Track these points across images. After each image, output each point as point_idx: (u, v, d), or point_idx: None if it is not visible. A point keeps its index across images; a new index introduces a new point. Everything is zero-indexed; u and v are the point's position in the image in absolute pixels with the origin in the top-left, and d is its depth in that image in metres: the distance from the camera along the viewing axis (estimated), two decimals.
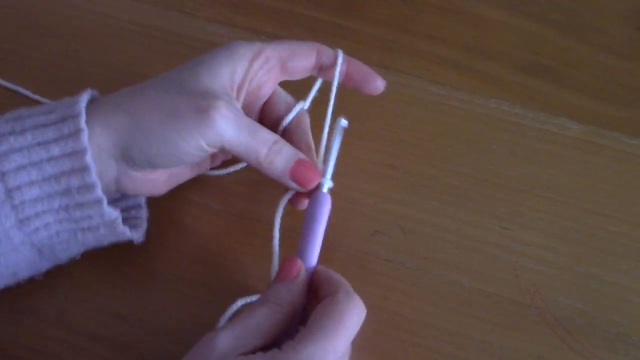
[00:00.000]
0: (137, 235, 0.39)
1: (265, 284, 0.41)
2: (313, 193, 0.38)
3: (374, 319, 0.35)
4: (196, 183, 0.44)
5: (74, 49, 0.50)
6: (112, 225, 0.37)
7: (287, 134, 0.41)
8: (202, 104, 0.35)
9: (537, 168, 0.46)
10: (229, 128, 0.35)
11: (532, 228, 0.43)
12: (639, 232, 0.43)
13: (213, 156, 0.42)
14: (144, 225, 0.41)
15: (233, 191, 0.44)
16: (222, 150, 0.37)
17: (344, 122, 0.40)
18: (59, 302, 0.40)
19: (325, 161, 0.39)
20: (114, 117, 0.36)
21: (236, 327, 0.32)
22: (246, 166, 0.44)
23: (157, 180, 0.39)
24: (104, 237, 0.38)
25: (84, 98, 0.36)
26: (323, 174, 0.38)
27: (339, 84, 0.41)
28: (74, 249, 0.38)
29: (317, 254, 0.36)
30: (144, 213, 0.41)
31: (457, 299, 0.40)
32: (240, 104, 0.39)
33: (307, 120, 0.42)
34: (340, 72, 0.41)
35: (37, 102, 0.47)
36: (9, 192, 0.34)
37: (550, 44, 0.52)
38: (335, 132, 0.39)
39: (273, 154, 0.37)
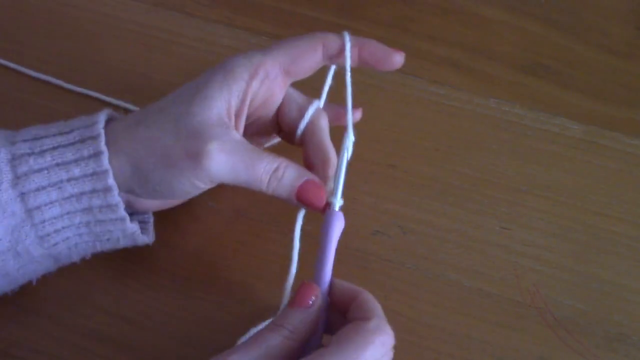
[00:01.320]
0: (149, 238, 0.40)
1: (266, 284, 0.41)
2: (325, 211, 0.37)
3: None
4: None
5: (74, 49, 0.50)
6: (131, 237, 0.38)
7: (304, 142, 0.40)
8: (193, 149, 0.35)
9: (537, 168, 0.46)
10: (222, 169, 0.35)
11: (532, 228, 0.43)
12: (639, 232, 0.43)
13: None
14: (151, 227, 0.41)
15: (233, 191, 0.44)
16: (223, 183, 0.37)
17: (352, 138, 0.38)
18: (59, 301, 0.40)
19: (336, 178, 0.37)
20: (115, 163, 0.36)
21: (249, 352, 0.31)
22: None
23: (162, 203, 0.40)
24: (121, 245, 0.38)
25: (102, 118, 0.36)
26: (333, 192, 0.37)
27: (352, 70, 0.39)
28: (89, 254, 0.39)
29: (330, 270, 0.35)
30: (150, 218, 0.41)
31: (457, 299, 0.40)
32: (242, 128, 0.38)
33: (322, 124, 0.40)
34: (352, 58, 0.38)
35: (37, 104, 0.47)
36: (29, 212, 0.34)
37: (550, 44, 0.52)
38: (342, 148, 0.38)
39: (275, 182, 0.36)
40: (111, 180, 0.35)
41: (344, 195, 0.44)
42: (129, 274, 0.41)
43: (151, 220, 0.41)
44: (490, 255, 0.42)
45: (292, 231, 0.39)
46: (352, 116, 0.38)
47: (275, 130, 0.42)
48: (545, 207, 0.44)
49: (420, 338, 0.39)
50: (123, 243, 0.38)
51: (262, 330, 0.32)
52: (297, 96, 0.40)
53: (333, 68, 0.41)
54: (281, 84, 0.38)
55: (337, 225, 0.36)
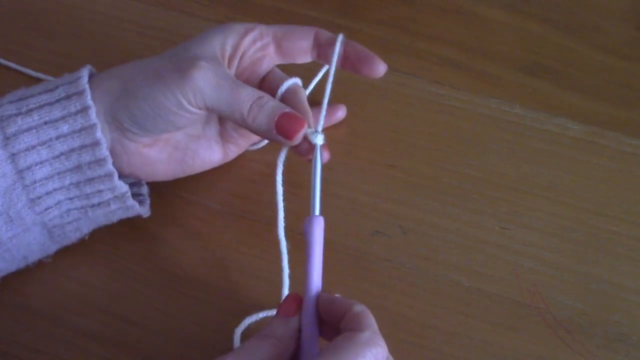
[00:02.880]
0: (143, 210, 0.40)
1: (265, 285, 0.41)
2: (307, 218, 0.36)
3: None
4: (197, 183, 0.44)
5: (74, 49, 0.50)
6: (122, 199, 0.38)
7: (286, 97, 0.40)
8: (182, 65, 0.36)
9: (537, 168, 0.46)
10: (208, 85, 0.36)
11: (532, 228, 0.43)
12: (639, 232, 0.43)
13: (225, 151, 0.42)
14: (147, 201, 0.41)
15: (233, 191, 0.44)
16: (207, 109, 0.37)
17: (321, 137, 0.38)
18: (59, 301, 0.40)
19: (313, 186, 0.37)
20: (106, 82, 0.37)
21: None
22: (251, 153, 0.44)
23: (153, 159, 0.39)
24: (114, 213, 0.38)
25: (85, 73, 0.37)
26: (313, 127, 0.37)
27: (337, 67, 0.40)
28: (84, 228, 0.39)
29: (319, 276, 0.35)
30: (145, 189, 0.42)
31: (457, 299, 0.40)
32: (232, 73, 0.39)
33: (303, 92, 0.40)
34: (339, 56, 0.40)
35: None
36: (20, 173, 0.35)
37: (550, 44, 0.52)
38: (315, 154, 0.37)
39: (256, 108, 0.36)
40: (99, 134, 0.35)
41: (343, 195, 0.44)
42: (129, 274, 0.41)
43: (146, 191, 0.41)
44: (490, 255, 0.42)
45: (292, 231, 0.39)
46: (325, 109, 0.39)
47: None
48: (545, 207, 0.44)
49: (420, 338, 0.39)
50: (115, 209, 0.38)
51: (251, 339, 0.32)
52: (283, 74, 0.41)
53: (324, 69, 0.42)
54: (271, 55, 0.40)
55: (317, 230, 0.35)
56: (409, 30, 0.53)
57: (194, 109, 0.36)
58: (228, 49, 0.38)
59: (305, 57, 0.41)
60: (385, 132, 0.47)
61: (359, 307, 0.33)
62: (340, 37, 0.40)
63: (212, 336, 0.39)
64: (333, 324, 0.33)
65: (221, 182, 0.44)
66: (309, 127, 0.37)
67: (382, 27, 0.53)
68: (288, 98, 0.39)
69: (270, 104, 0.37)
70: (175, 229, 0.43)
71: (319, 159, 0.37)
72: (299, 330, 0.34)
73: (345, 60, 0.40)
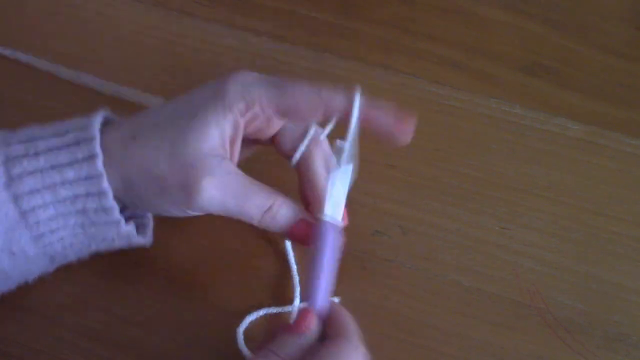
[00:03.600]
0: (146, 240, 0.40)
1: (265, 285, 0.41)
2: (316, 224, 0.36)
3: (374, 319, 0.35)
4: None
5: (73, 49, 0.50)
6: (126, 238, 0.38)
7: (299, 174, 0.39)
8: (185, 181, 0.35)
9: (537, 168, 0.46)
10: (213, 205, 0.35)
11: (532, 228, 0.43)
12: (639, 232, 0.43)
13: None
14: (150, 228, 0.41)
15: None
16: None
17: (340, 143, 0.36)
18: (59, 301, 0.40)
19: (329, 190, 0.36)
20: (108, 175, 0.35)
21: None
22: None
23: None
24: (117, 245, 0.38)
25: (98, 120, 0.36)
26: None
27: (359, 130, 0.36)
28: (85, 254, 0.39)
29: (327, 290, 0.34)
30: (149, 219, 0.41)
31: (457, 299, 0.40)
32: (236, 156, 0.38)
33: (316, 158, 0.38)
34: (360, 120, 0.36)
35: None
36: (23, 214, 0.34)
37: (550, 44, 0.52)
38: (335, 160, 0.37)
39: (267, 220, 0.36)
40: (105, 184, 0.35)
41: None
42: (129, 275, 0.41)
43: (150, 222, 0.41)
44: (490, 255, 0.42)
45: None
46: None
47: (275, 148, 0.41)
48: (545, 207, 0.44)
49: (420, 338, 0.39)
50: (119, 244, 0.38)
51: (256, 356, 0.32)
52: (292, 128, 0.39)
53: (333, 120, 0.37)
54: (277, 120, 0.37)
55: (329, 238, 0.34)
56: (409, 30, 0.53)
57: (201, 214, 0.37)
58: (229, 135, 0.36)
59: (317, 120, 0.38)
60: None
61: (341, 313, 0.33)
62: (357, 106, 0.35)
63: (212, 336, 0.39)
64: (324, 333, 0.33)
65: None
66: (323, 205, 0.36)
67: (382, 27, 0.53)
68: (304, 163, 0.38)
69: (280, 216, 0.36)
70: (175, 229, 0.43)
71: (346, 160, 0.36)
72: (310, 349, 0.33)
73: (368, 125, 0.36)
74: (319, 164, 0.38)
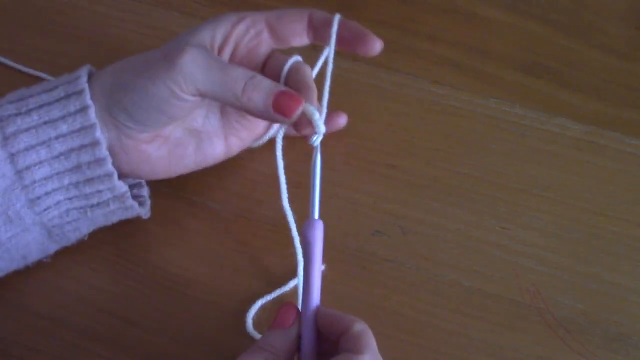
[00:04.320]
0: (143, 210, 0.39)
1: (265, 285, 0.41)
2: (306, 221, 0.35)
3: (374, 319, 0.35)
4: (196, 183, 0.44)
5: (73, 49, 0.50)
6: (121, 200, 0.37)
7: (290, 86, 0.38)
8: (171, 51, 0.35)
9: (537, 168, 0.46)
10: (197, 68, 0.35)
11: (532, 228, 0.43)
12: (639, 232, 0.43)
13: (228, 145, 0.42)
14: (147, 202, 0.41)
15: (233, 191, 0.44)
16: (199, 94, 0.36)
17: (322, 129, 0.37)
18: (59, 301, 0.40)
19: (312, 187, 0.35)
20: (100, 80, 0.37)
21: None
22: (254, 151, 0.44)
23: (153, 155, 0.39)
24: (113, 214, 0.38)
25: (84, 73, 0.37)
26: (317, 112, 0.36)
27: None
28: (83, 228, 0.39)
29: (319, 285, 0.34)
30: (145, 191, 0.41)
31: (457, 299, 0.40)
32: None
33: (306, 68, 0.39)
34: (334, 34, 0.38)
35: None
36: (19, 173, 0.34)
37: (550, 44, 0.52)
38: (315, 153, 0.36)
39: (251, 88, 0.35)
40: (98, 134, 0.35)
41: (343, 195, 0.44)
42: (129, 274, 0.41)
43: (146, 193, 0.41)
44: (489, 255, 0.42)
45: (291, 229, 0.39)
46: (326, 101, 0.38)
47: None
48: (545, 207, 0.44)
49: (420, 338, 0.39)
50: (114, 209, 0.38)
51: (246, 353, 0.32)
52: (281, 55, 0.40)
53: (326, 53, 0.39)
54: (266, 39, 0.39)
55: (317, 234, 0.34)
56: (409, 30, 0.53)
57: (186, 96, 0.35)
58: (218, 39, 0.38)
59: (301, 40, 0.40)
60: (385, 132, 0.47)
61: (359, 326, 0.32)
62: (337, 18, 0.39)
63: (212, 336, 0.39)
64: (332, 339, 0.33)
65: (221, 182, 0.44)
66: (311, 103, 0.36)
67: (382, 27, 0.53)
68: (292, 77, 0.38)
69: (266, 83, 0.36)
70: (175, 229, 0.43)
71: (319, 161, 0.35)
72: (296, 343, 0.33)
73: (340, 41, 0.39)
74: (308, 75, 0.39)
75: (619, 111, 0.49)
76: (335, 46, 0.39)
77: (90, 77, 0.38)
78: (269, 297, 0.40)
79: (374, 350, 0.31)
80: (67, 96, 0.36)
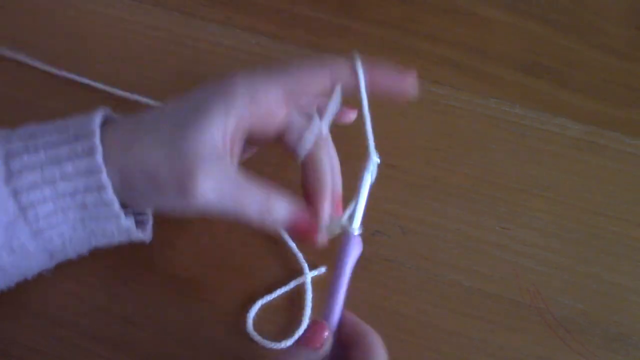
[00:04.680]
0: (146, 235, 0.39)
1: (265, 285, 0.41)
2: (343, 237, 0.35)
3: (374, 319, 0.35)
4: None
5: (73, 49, 0.50)
6: (126, 233, 0.37)
7: (303, 169, 0.38)
8: (182, 179, 0.34)
9: (537, 168, 0.46)
10: (209, 204, 0.34)
11: (532, 228, 0.43)
12: (639, 232, 0.43)
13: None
14: (149, 224, 0.41)
15: None
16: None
17: (376, 160, 0.37)
18: (59, 301, 0.40)
19: (356, 203, 0.36)
20: (112, 148, 0.35)
21: None
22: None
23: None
24: (116, 240, 0.38)
25: (98, 116, 0.36)
26: (349, 221, 0.36)
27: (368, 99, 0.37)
28: (85, 251, 0.38)
29: (342, 303, 0.34)
30: (148, 215, 0.41)
31: (457, 299, 0.40)
32: (238, 154, 0.37)
33: (321, 155, 0.38)
34: (365, 84, 0.37)
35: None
36: (22, 210, 0.34)
37: (550, 44, 0.52)
38: (364, 172, 0.37)
39: (266, 215, 0.35)
40: (105, 178, 0.34)
41: (343, 196, 0.44)
42: (129, 274, 0.41)
43: (149, 217, 0.41)
44: (490, 255, 0.42)
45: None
46: (372, 138, 0.37)
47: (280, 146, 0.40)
48: (545, 207, 0.44)
49: (420, 338, 0.39)
50: (118, 238, 0.38)
51: None
52: (299, 121, 0.38)
53: (337, 92, 0.38)
54: (283, 106, 0.37)
55: (353, 252, 0.35)
56: (409, 30, 0.53)
57: (198, 213, 0.36)
58: (231, 132, 0.35)
59: (322, 96, 0.38)
60: (386, 132, 0.47)
61: (371, 338, 0.32)
62: (360, 71, 0.37)
63: (212, 336, 0.39)
64: (343, 343, 0.33)
65: None
66: (326, 202, 0.37)
67: (382, 27, 0.53)
68: (308, 162, 0.38)
69: (279, 210, 0.35)
70: (175, 229, 0.43)
71: (368, 180, 0.37)
72: None
73: (374, 88, 0.38)
74: (324, 158, 0.38)
75: (619, 111, 0.48)
76: (367, 88, 0.37)
77: (106, 121, 0.37)
78: (269, 297, 0.40)
79: None
80: (77, 137, 0.35)
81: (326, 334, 0.33)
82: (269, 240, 0.42)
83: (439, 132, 0.47)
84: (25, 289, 0.39)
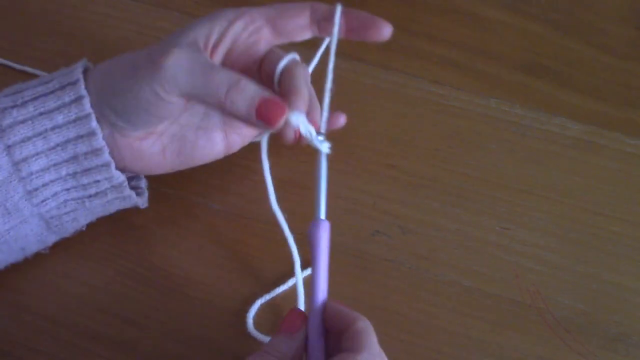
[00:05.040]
0: (141, 200, 0.39)
1: (265, 285, 0.41)
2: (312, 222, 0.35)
3: (374, 319, 0.35)
4: (196, 183, 0.44)
5: (74, 49, 0.50)
6: (119, 189, 0.37)
7: (281, 91, 0.38)
8: (158, 52, 0.35)
9: (537, 168, 0.46)
10: (180, 72, 0.34)
11: (532, 228, 0.43)
12: (639, 232, 0.43)
13: (227, 142, 0.41)
14: (145, 193, 0.41)
15: (233, 191, 0.44)
16: (183, 96, 0.35)
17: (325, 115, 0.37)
18: (59, 301, 0.40)
19: (317, 185, 0.35)
20: (93, 76, 0.37)
21: None
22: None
23: (146, 152, 0.38)
24: (111, 204, 0.38)
25: (80, 66, 0.37)
26: (318, 127, 0.36)
27: (339, 39, 0.38)
28: (81, 219, 0.39)
29: (325, 284, 0.34)
30: (143, 183, 0.41)
31: (457, 299, 0.40)
32: (219, 61, 0.38)
33: (300, 70, 0.38)
34: (340, 27, 0.38)
35: None
36: (16, 165, 0.34)
37: (550, 44, 0.52)
38: (319, 148, 0.36)
39: (234, 93, 0.35)
40: (94, 123, 0.35)
41: (343, 196, 0.44)
42: (129, 274, 0.41)
43: (144, 185, 0.41)
44: (490, 255, 0.42)
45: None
46: (330, 85, 0.37)
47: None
48: (545, 207, 0.44)
49: (420, 338, 0.39)
50: (112, 199, 0.38)
51: (252, 356, 0.32)
52: (282, 52, 0.39)
53: (326, 43, 0.40)
54: (266, 37, 0.38)
55: (323, 235, 0.34)
56: (409, 30, 0.53)
57: (170, 98, 0.35)
58: (214, 36, 0.37)
59: (303, 34, 0.39)
60: (386, 132, 0.47)
61: (361, 324, 0.32)
62: (339, 9, 0.38)
63: (212, 336, 0.39)
64: (336, 334, 0.33)
65: (221, 182, 0.44)
66: (300, 109, 0.36)
67: None
68: (285, 79, 0.38)
69: (250, 88, 0.35)
70: (175, 229, 0.43)
71: (324, 164, 0.35)
72: (303, 347, 0.33)
73: (349, 31, 0.38)
74: (300, 71, 0.38)
75: (619, 111, 0.49)
76: (343, 36, 0.38)
77: (86, 71, 0.38)
78: (268, 297, 0.40)
79: (373, 348, 0.31)
80: (62, 87, 0.36)
81: (300, 319, 0.33)
82: (269, 240, 0.42)
83: (439, 132, 0.47)
84: (25, 289, 0.39)
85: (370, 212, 0.44)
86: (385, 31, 0.38)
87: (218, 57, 0.38)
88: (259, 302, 0.39)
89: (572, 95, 0.49)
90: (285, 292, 0.40)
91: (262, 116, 0.35)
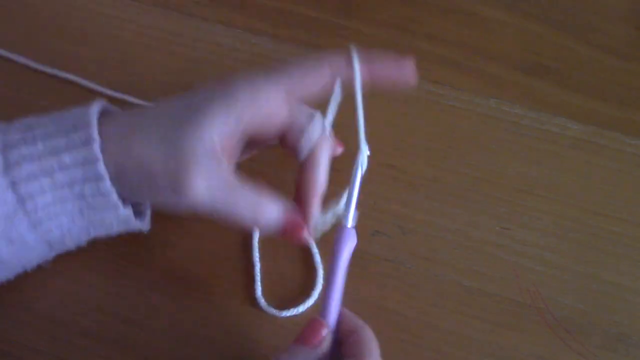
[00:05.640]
0: (144, 225, 0.39)
1: (265, 285, 0.41)
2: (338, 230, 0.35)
3: (374, 319, 0.35)
4: None
5: (73, 49, 0.50)
6: (125, 222, 0.37)
7: (305, 163, 0.38)
8: (177, 180, 0.34)
9: (537, 168, 0.46)
10: (201, 205, 0.34)
11: (532, 228, 0.43)
12: (639, 232, 0.43)
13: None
14: (147, 211, 0.40)
15: None
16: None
17: (367, 152, 0.37)
18: (59, 301, 0.40)
19: (348, 195, 0.36)
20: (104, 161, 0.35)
21: None
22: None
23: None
24: (115, 230, 0.38)
25: (95, 108, 0.36)
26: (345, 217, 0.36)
27: (363, 93, 0.37)
28: (83, 241, 0.38)
29: (340, 299, 0.34)
30: (147, 205, 0.41)
31: (457, 299, 0.40)
32: (235, 154, 0.37)
33: (320, 156, 0.38)
34: (364, 79, 0.37)
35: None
36: (21, 201, 0.34)
37: (550, 44, 0.52)
38: (356, 164, 0.37)
39: (258, 216, 0.35)
40: (102, 168, 0.34)
41: (343, 196, 0.44)
42: (129, 274, 0.41)
43: (148, 206, 0.40)
44: (490, 255, 0.42)
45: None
46: (363, 130, 0.37)
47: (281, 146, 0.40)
48: (545, 207, 0.44)
49: (420, 338, 0.39)
50: (117, 228, 0.38)
51: None
52: (300, 120, 0.38)
53: (338, 88, 0.38)
54: (284, 107, 0.37)
55: (348, 245, 0.35)
56: (409, 30, 0.53)
57: (188, 212, 0.36)
58: (229, 132, 0.35)
59: (326, 93, 0.38)
60: (386, 132, 0.47)
61: (363, 333, 0.32)
62: (357, 64, 0.37)
63: (213, 336, 0.39)
64: (337, 340, 0.33)
65: None
66: (318, 204, 0.37)
67: (382, 27, 0.53)
68: (308, 161, 0.37)
69: (272, 210, 0.35)
70: (175, 229, 0.43)
71: (359, 174, 0.36)
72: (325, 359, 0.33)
73: (373, 77, 0.38)
74: (324, 160, 0.38)
75: (619, 111, 0.49)
76: (370, 82, 0.37)
77: (103, 113, 0.37)
78: (269, 297, 0.40)
79: (374, 357, 0.31)
80: (74, 128, 0.35)
81: (324, 331, 0.33)
82: (268, 239, 0.42)
83: (439, 132, 0.47)
84: (25, 289, 0.39)
85: (370, 212, 0.44)
86: (411, 75, 0.38)
87: (235, 150, 0.37)
88: (259, 302, 0.39)
89: (572, 95, 0.49)
90: (285, 292, 0.40)
91: (287, 236, 0.36)
